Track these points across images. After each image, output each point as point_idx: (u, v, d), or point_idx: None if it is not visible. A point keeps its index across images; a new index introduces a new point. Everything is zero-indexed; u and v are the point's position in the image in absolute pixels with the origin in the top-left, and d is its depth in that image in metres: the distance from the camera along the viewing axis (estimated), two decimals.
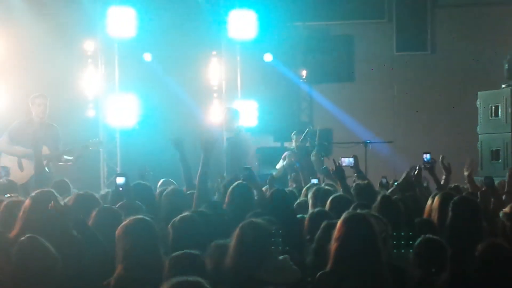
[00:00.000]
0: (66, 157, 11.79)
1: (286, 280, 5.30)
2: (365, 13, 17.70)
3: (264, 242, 5.33)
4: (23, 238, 5.19)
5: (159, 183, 11.67)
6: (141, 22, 14.73)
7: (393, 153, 16.89)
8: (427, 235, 5.94)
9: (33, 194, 6.27)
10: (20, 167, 11.72)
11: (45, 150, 11.71)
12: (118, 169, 13.69)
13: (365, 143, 15.10)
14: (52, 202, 5.99)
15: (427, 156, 9.21)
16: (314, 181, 10.92)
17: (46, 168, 11.54)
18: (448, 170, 9.05)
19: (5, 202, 6.87)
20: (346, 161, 10.67)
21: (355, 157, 10.69)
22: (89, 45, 15.11)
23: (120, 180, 7.53)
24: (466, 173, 9.24)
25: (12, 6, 14.02)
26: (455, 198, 6.63)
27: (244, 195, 7.65)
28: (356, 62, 17.77)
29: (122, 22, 14.51)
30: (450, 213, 6.43)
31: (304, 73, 17.55)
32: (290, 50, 17.36)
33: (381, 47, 17.60)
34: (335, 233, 5.27)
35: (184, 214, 6.36)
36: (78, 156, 11.82)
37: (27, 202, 6.17)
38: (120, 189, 7.48)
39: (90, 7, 14.60)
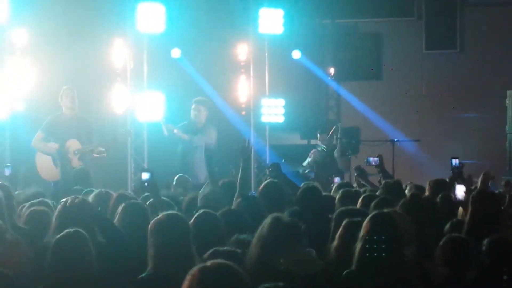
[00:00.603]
0: (100, 148, 11.89)
1: (308, 271, 5.32)
2: (394, 11, 17.64)
3: (285, 235, 5.35)
4: (67, 230, 5.17)
5: (175, 178, 11.75)
6: (170, 18, 14.79)
7: (420, 152, 16.86)
8: (454, 234, 5.94)
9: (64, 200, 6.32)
10: (55, 163, 11.80)
11: (77, 144, 11.82)
12: (145, 165, 13.75)
13: (392, 142, 15.07)
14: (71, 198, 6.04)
15: (456, 162, 9.05)
16: (337, 179, 10.93)
17: (79, 162, 11.69)
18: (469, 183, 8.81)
19: (28, 211, 6.93)
20: (371, 160, 10.68)
21: (380, 157, 10.69)
22: (119, 42, 15.20)
23: (145, 175, 7.55)
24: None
25: (43, 5, 14.12)
26: (474, 192, 6.66)
27: (275, 192, 7.70)
28: (385, 60, 17.71)
29: (152, 18, 14.60)
30: (470, 208, 6.47)
31: (332, 70, 17.53)
32: (318, 47, 17.36)
33: (410, 45, 17.53)
34: (361, 231, 5.28)
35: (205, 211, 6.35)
36: (109, 148, 11.93)
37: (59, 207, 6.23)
38: (146, 184, 7.49)
39: (120, 4, 14.69)
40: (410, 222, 5.82)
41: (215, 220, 6.18)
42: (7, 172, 10.23)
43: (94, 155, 11.92)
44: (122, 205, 6.36)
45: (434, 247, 5.95)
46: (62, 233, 5.24)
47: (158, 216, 5.46)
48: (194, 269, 3.74)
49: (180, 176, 11.26)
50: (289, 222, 5.48)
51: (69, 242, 5.17)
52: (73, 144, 11.83)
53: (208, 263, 3.80)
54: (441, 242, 5.80)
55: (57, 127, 11.90)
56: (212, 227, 6.03)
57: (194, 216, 6.16)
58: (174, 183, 11.00)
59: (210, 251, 5.26)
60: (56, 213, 6.23)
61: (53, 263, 5.16)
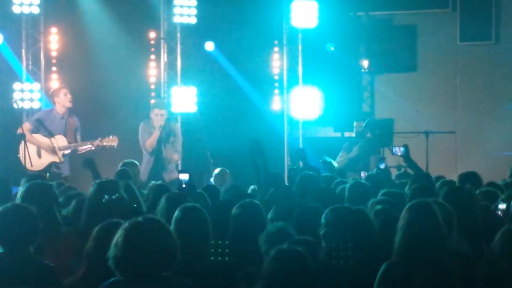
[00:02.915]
0: (85, 146, 12.20)
1: None
2: (428, 2, 17.52)
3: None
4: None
5: (215, 171, 11.88)
6: (203, 10, 14.85)
7: (454, 144, 16.76)
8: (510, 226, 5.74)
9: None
10: (39, 154, 12.15)
11: (63, 140, 12.19)
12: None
13: (426, 133, 14.98)
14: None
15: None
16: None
17: (62, 158, 12.09)
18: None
19: None
20: (397, 149, 10.58)
21: (405, 146, 10.54)
22: (152, 35, 15.31)
23: (184, 176, 7.54)
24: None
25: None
26: None
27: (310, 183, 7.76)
28: (419, 52, 17.60)
29: (185, 10, 14.71)
30: None
31: (366, 63, 17.46)
32: (352, 39, 17.28)
33: (445, 37, 17.39)
34: (400, 221, 5.24)
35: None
36: (95, 147, 12.16)
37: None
38: (184, 185, 7.47)
39: None
40: (450, 212, 5.78)
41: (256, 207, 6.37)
42: None
43: (79, 153, 12.21)
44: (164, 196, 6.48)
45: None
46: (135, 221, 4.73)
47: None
48: None
49: (222, 169, 11.51)
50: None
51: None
52: (60, 140, 12.18)
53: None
54: (498, 235, 5.44)
55: (47, 122, 12.25)
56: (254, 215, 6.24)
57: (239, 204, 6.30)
58: (213, 176, 11.24)
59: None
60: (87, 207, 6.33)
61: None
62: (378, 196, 7.53)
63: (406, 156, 10.45)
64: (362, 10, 17.49)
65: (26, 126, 12.22)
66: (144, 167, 12.37)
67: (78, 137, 12.43)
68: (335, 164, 12.35)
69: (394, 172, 12.34)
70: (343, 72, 16.99)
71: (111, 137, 12.26)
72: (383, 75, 17.57)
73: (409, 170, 10.89)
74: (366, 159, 14.37)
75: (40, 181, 6.42)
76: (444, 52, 17.35)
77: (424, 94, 17.28)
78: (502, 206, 6.92)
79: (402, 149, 10.59)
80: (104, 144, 12.18)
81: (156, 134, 12.44)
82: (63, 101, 12.49)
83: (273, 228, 5.78)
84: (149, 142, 12.48)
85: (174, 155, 12.63)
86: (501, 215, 6.87)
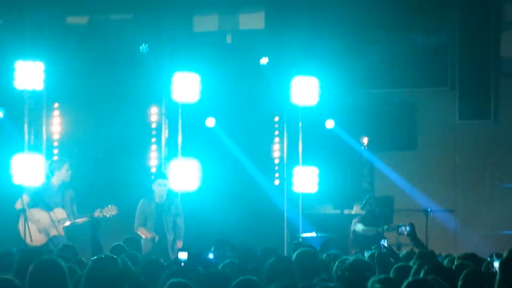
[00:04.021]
0: (83, 219, 12.25)
1: None
2: (428, 81, 17.66)
3: None
4: None
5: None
6: (204, 87, 15.00)
7: (454, 222, 16.73)
8: None
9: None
10: (39, 229, 12.12)
11: (62, 213, 12.21)
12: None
13: (426, 211, 14.99)
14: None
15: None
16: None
17: (62, 231, 12.07)
18: None
19: None
20: (403, 228, 10.62)
21: (411, 225, 10.61)
22: (154, 110, 15.46)
23: (183, 255, 7.38)
24: None
25: (83, 71, 14.44)
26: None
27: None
28: (418, 129, 17.66)
29: (187, 88, 14.83)
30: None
31: (365, 140, 17.53)
32: (352, 117, 17.38)
33: (444, 115, 17.49)
34: None
35: None
36: (94, 219, 12.20)
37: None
38: (182, 264, 7.33)
39: (157, 74, 14.96)
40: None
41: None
42: None
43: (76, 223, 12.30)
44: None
45: None
46: None
47: None
48: None
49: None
50: None
51: None
52: (59, 213, 12.21)
53: None
54: None
55: (45, 195, 12.27)
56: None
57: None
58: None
59: None
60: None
61: None
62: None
63: (412, 234, 10.48)
64: (362, 88, 17.62)
65: (25, 199, 12.23)
66: (145, 242, 12.38)
67: (75, 208, 12.46)
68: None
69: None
70: (343, 149, 17.04)
71: (109, 206, 12.29)
72: (382, 153, 17.60)
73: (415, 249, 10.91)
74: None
75: (49, 258, 6.23)
76: (443, 129, 17.42)
77: (424, 172, 17.30)
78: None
79: (407, 228, 10.65)
80: (104, 214, 12.21)
81: (147, 235, 12.47)
82: (63, 175, 12.57)
83: None
84: (141, 232, 12.56)
85: (178, 242, 12.69)
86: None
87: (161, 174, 13.31)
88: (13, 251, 7.11)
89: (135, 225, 12.74)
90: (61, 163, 12.72)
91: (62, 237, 12.37)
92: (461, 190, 17.22)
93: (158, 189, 12.74)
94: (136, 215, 12.78)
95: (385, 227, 14.18)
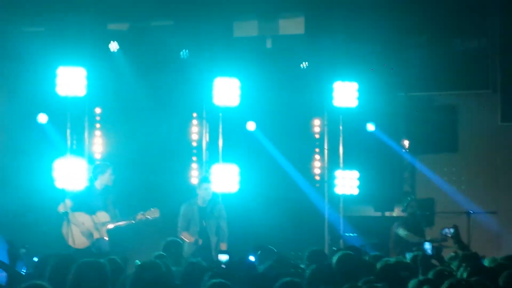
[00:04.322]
0: (127, 222, 12.31)
1: None
2: (469, 84, 17.56)
3: None
4: None
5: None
6: (244, 92, 15.09)
7: (497, 224, 16.60)
8: None
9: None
10: (82, 232, 12.17)
11: (105, 216, 12.27)
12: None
13: (468, 214, 14.91)
14: None
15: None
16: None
17: (105, 234, 12.13)
18: None
19: None
20: (447, 231, 10.59)
21: (455, 227, 10.58)
22: (195, 115, 15.58)
23: (223, 257, 7.38)
24: None
25: (124, 77, 14.58)
26: None
27: None
28: (460, 132, 17.58)
29: (227, 92, 14.94)
30: None
31: (406, 143, 17.48)
32: (392, 120, 17.36)
33: (485, 117, 17.38)
34: None
35: None
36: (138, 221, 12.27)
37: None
38: (223, 266, 7.33)
39: (197, 79, 15.10)
40: None
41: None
42: None
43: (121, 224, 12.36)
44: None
45: None
46: None
47: None
48: None
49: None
50: None
51: None
52: (102, 216, 12.26)
53: None
54: None
55: (88, 199, 12.34)
56: None
57: None
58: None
59: None
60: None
61: None
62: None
63: (456, 237, 10.44)
64: (402, 91, 17.59)
65: (68, 203, 12.36)
66: (187, 245, 12.44)
67: (116, 211, 12.54)
68: None
69: None
70: (384, 152, 17.00)
71: (152, 209, 12.38)
72: (424, 155, 17.53)
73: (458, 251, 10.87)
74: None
75: (93, 261, 6.25)
76: (485, 132, 17.31)
77: (465, 174, 17.20)
78: None
79: (451, 230, 10.63)
80: (147, 217, 12.30)
81: (190, 239, 12.54)
82: (106, 179, 12.66)
83: None
84: (184, 236, 12.61)
85: (222, 245, 12.74)
86: None
87: (205, 178, 13.35)
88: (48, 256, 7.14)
89: (178, 229, 12.79)
90: (105, 167, 12.81)
91: (105, 240, 12.43)
92: (503, 192, 17.08)
93: (203, 193, 12.80)
94: (179, 219, 12.83)
95: (429, 238, 14.08)
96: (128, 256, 9.15)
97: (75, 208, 12.46)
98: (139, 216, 12.36)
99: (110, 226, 12.42)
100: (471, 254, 9.98)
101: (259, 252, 9.49)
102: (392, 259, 8.92)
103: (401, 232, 14.29)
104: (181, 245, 11.17)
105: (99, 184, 12.64)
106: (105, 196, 12.58)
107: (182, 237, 12.60)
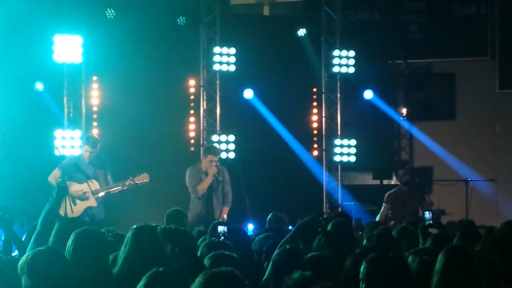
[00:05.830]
0: (117, 187, 12.21)
1: None
2: (467, 51, 17.49)
3: None
4: None
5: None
6: (242, 59, 15.06)
7: (495, 191, 16.59)
8: None
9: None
10: (74, 201, 12.07)
11: (96, 184, 12.17)
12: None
13: (466, 181, 14.90)
14: None
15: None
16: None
17: (96, 202, 12.06)
18: None
19: None
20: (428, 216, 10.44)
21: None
22: (192, 82, 15.51)
23: (222, 228, 7.31)
24: None
25: (120, 45, 14.49)
26: None
27: None
28: (458, 99, 17.53)
29: (223, 59, 14.96)
30: None
31: (404, 110, 17.43)
32: (390, 87, 17.30)
33: (483, 85, 17.32)
34: (436, 265, 5.20)
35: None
36: (126, 185, 12.16)
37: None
38: (222, 238, 7.09)
39: (194, 46, 15.04)
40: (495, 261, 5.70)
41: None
42: None
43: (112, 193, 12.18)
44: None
45: None
46: None
47: None
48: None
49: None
50: None
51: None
52: (93, 185, 12.15)
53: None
54: None
55: (76, 169, 12.20)
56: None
57: None
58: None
59: None
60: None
61: None
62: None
63: (437, 220, 10.39)
64: (400, 58, 17.51)
65: (56, 173, 12.24)
66: (191, 211, 12.34)
67: (109, 177, 12.40)
68: None
69: None
70: (382, 119, 16.95)
71: (141, 174, 12.27)
72: (422, 123, 17.48)
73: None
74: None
75: (92, 229, 6.04)
76: (483, 99, 17.26)
77: (464, 141, 17.15)
78: None
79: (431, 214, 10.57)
80: (136, 182, 12.19)
81: (209, 180, 12.41)
82: (93, 149, 12.39)
83: None
84: (201, 187, 12.40)
85: (225, 208, 12.65)
86: None
87: (214, 150, 13.00)
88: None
89: (190, 188, 12.55)
90: (86, 141, 12.55)
91: (96, 208, 12.32)
92: (501, 159, 17.07)
93: (208, 164, 12.58)
94: (187, 181, 12.60)
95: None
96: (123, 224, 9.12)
97: (68, 178, 12.31)
98: (128, 181, 12.22)
99: (101, 194, 12.26)
100: (467, 222, 10.00)
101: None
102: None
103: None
104: (185, 214, 11.09)
105: (87, 155, 12.43)
106: (97, 165, 12.39)
107: (199, 189, 12.39)
